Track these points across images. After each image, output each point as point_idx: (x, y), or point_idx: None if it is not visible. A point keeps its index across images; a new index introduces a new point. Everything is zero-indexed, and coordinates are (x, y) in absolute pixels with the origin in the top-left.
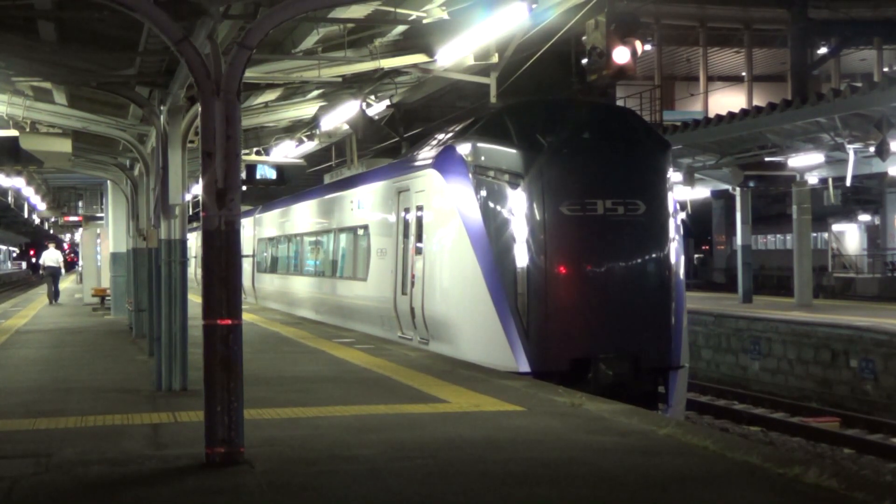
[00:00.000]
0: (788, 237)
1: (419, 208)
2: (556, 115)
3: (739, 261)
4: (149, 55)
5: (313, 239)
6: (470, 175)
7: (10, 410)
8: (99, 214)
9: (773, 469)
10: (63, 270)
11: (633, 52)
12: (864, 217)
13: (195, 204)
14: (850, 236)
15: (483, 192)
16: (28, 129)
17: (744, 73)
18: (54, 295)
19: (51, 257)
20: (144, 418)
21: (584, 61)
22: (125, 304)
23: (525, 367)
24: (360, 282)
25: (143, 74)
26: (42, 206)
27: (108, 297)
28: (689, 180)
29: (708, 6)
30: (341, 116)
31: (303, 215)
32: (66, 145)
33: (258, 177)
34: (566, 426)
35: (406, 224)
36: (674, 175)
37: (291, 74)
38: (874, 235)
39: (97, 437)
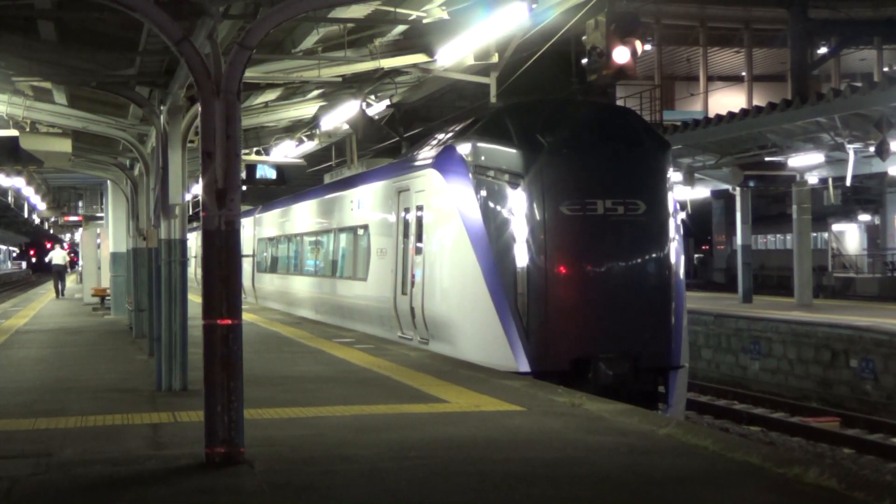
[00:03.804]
0: (788, 237)
1: (419, 208)
2: (556, 115)
3: (739, 261)
4: (149, 55)
5: (313, 239)
6: (470, 175)
7: (10, 410)
8: (99, 214)
9: (773, 469)
10: (69, 268)
11: (633, 52)
12: (864, 217)
13: (195, 204)
14: (850, 236)
15: (483, 192)
16: (28, 129)
17: (744, 73)
18: (61, 290)
19: (58, 256)
20: (144, 418)
21: (584, 61)
22: (125, 304)
23: (525, 367)
24: (360, 282)
25: (143, 74)
26: (42, 206)
27: (108, 297)
28: (689, 180)
29: (708, 6)
30: (341, 116)
31: (303, 215)
32: (66, 145)
33: (258, 177)
34: (566, 426)
35: (406, 224)
36: (674, 175)
37: (291, 74)
38: (874, 235)
39: (97, 437)
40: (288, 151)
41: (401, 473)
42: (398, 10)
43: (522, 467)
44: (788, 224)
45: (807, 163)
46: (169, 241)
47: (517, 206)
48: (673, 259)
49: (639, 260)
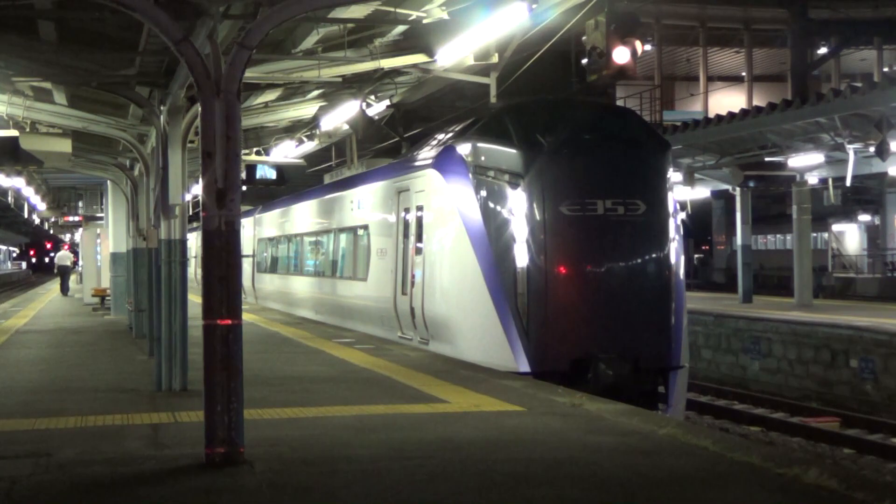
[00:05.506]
0: (788, 237)
1: (419, 208)
2: (556, 115)
3: (739, 261)
4: (149, 55)
5: (313, 239)
6: (470, 175)
7: (10, 410)
8: (99, 214)
9: (773, 469)
10: (72, 268)
11: (633, 52)
12: (864, 217)
13: (195, 204)
14: (850, 236)
15: (483, 192)
16: (28, 129)
17: (744, 73)
18: (66, 288)
19: (63, 257)
20: (144, 418)
21: (584, 61)
22: (125, 304)
23: (525, 367)
24: (360, 282)
25: (143, 74)
26: (42, 206)
27: (108, 297)
28: (689, 180)
29: (708, 6)
30: (341, 116)
31: (303, 215)
32: (66, 145)
33: (258, 177)
34: (566, 426)
35: (406, 224)
36: (674, 175)
37: (291, 74)
38: (874, 235)
39: (97, 437)
40: (288, 151)
41: (401, 473)
42: (398, 10)
43: (523, 467)
44: (788, 224)
45: (807, 163)
46: (169, 241)
47: (517, 207)
48: (673, 259)
49: (639, 260)
